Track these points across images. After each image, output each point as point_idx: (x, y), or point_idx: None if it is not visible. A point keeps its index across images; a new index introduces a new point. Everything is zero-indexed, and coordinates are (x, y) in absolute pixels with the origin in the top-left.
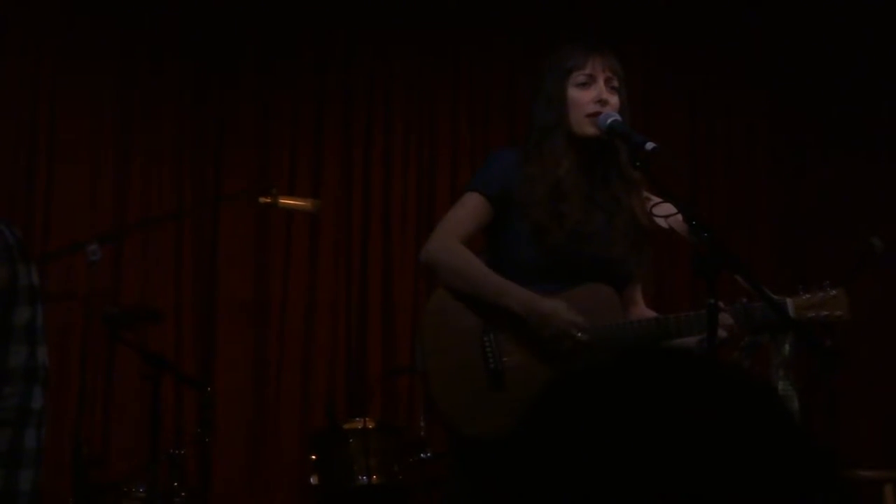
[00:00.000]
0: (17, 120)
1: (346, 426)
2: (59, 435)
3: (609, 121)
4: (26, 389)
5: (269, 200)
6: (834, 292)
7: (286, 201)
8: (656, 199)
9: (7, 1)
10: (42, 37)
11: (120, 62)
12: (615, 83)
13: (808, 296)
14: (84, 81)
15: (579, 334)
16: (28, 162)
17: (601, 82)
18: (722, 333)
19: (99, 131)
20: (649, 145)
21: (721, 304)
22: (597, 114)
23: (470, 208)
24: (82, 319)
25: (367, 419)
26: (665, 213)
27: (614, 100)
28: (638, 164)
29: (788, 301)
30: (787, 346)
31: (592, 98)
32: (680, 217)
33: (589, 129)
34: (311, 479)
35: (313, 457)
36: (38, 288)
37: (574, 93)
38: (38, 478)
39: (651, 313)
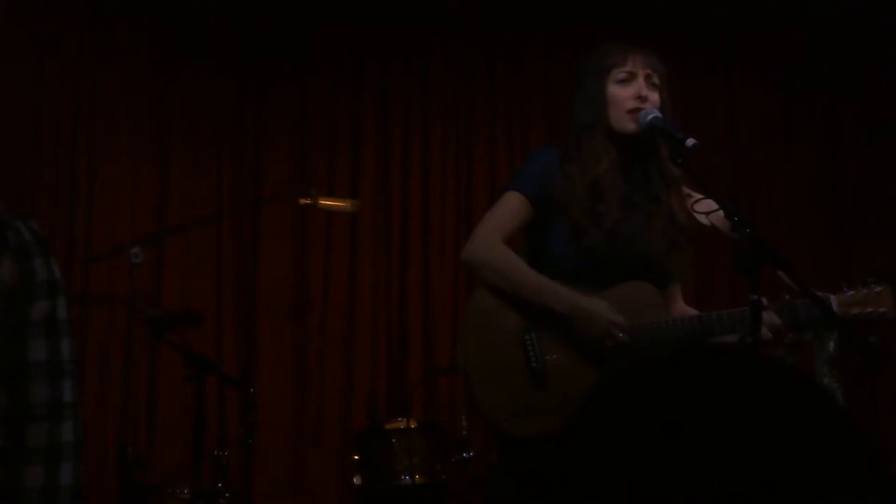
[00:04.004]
0: (58, 124)
1: (389, 426)
2: (104, 436)
3: (649, 117)
4: (55, 383)
5: (308, 201)
6: (879, 289)
7: (326, 202)
8: (697, 196)
9: (49, 6)
10: (83, 41)
11: (159, 65)
12: (655, 80)
13: (852, 293)
14: (124, 85)
15: (621, 334)
16: (69, 165)
17: (641, 79)
18: (767, 334)
19: (139, 134)
20: (690, 142)
21: (764, 301)
22: (637, 110)
23: (510, 208)
24: (125, 322)
25: (409, 419)
26: (706, 209)
27: (654, 96)
28: (679, 160)
29: (832, 298)
30: (831, 344)
31: (632, 94)
32: (721, 214)
33: (629, 126)
34: (354, 479)
35: (356, 457)
36: (59, 281)
37: (614, 90)
38: (78, 471)
39: (692, 311)
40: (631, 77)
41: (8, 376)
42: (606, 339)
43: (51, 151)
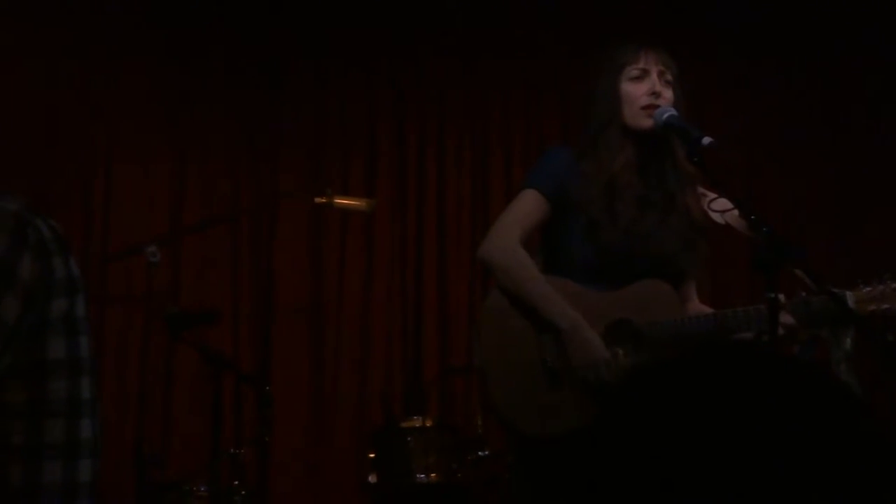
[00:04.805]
0: (74, 123)
1: (405, 424)
2: (121, 434)
3: (665, 115)
4: (73, 381)
5: (324, 200)
6: (895, 285)
7: (341, 201)
8: (712, 195)
9: (63, 5)
10: (98, 40)
11: (176, 64)
12: (668, 77)
13: (868, 289)
14: (141, 84)
15: (605, 373)
16: (86, 165)
17: (654, 76)
18: (779, 331)
19: (156, 134)
20: (706, 140)
21: (782, 298)
22: (651, 106)
23: (527, 206)
24: (142, 320)
25: (425, 417)
26: (721, 208)
27: (668, 93)
28: (695, 159)
29: (849, 294)
30: (847, 341)
31: (646, 91)
32: (736, 212)
33: (644, 122)
34: (370, 478)
35: (371, 455)
36: (77, 279)
37: (628, 87)
38: (97, 468)
39: (707, 309)
40: (644, 74)
41: (27, 374)
42: (590, 371)
43: (67, 151)
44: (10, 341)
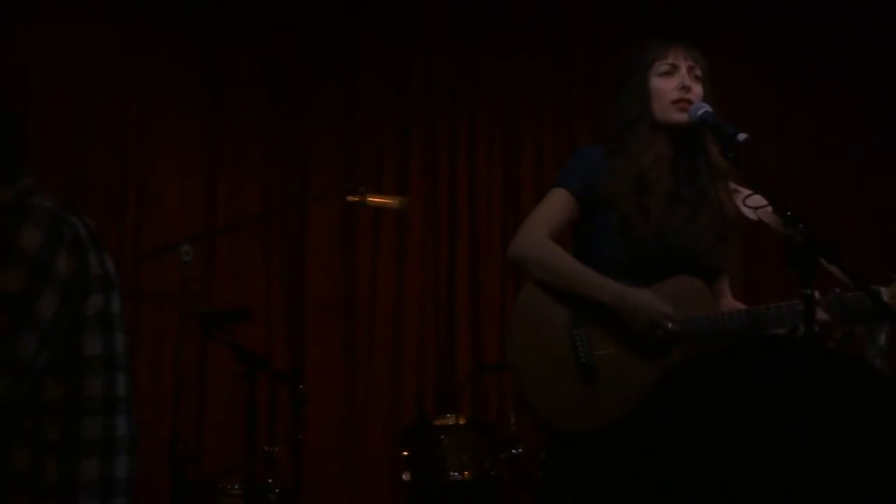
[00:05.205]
0: (108, 123)
1: (438, 422)
2: (155, 432)
3: (700, 112)
4: (109, 378)
5: (356, 199)
6: None
7: (374, 199)
8: (745, 192)
9: (97, 6)
10: (132, 40)
11: (207, 64)
12: (698, 72)
13: None
14: (173, 84)
15: (671, 325)
16: (119, 164)
17: (684, 70)
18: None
19: (188, 133)
20: (741, 136)
21: (817, 295)
22: (681, 100)
23: (557, 204)
24: (176, 319)
25: (458, 415)
26: (755, 204)
27: (698, 88)
28: (730, 155)
29: (883, 290)
30: (882, 337)
31: (675, 86)
32: (769, 209)
33: (675, 116)
34: (403, 476)
35: (405, 453)
36: (112, 276)
37: (657, 82)
38: (133, 464)
39: (740, 305)
40: (674, 69)
41: (63, 370)
42: (656, 330)
43: (101, 151)
44: (48, 337)
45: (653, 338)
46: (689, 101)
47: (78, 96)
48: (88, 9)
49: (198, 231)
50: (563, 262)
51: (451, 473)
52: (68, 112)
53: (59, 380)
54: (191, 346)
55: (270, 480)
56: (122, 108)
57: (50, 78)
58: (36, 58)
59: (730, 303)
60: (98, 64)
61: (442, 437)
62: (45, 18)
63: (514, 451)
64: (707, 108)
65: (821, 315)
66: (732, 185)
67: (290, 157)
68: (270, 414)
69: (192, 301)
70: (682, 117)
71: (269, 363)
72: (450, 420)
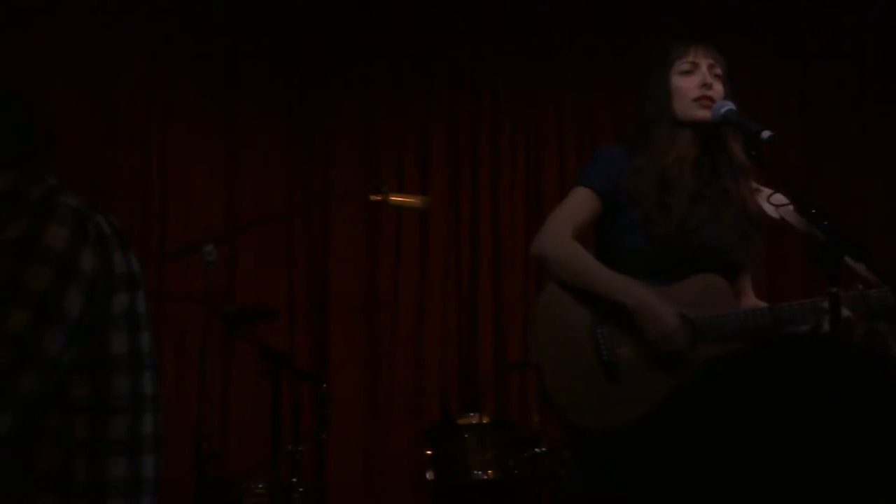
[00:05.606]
0: (133, 124)
1: (461, 421)
2: (181, 431)
3: (723, 110)
4: (135, 376)
5: (379, 198)
6: None
7: (396, 198)
8: (766, 190)
9: (122, 6)
10: (155, 40)
11: (229, 63)
12: (718, 71)
13: None
14: (196, 83)
15: (681, 341)
16: (143, 164)
17: (704, 69)
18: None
19: (211, 134)
20: (766, 134)
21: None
22: (703, 98)
23: (579, 203)
24: (200, 318)
25: (481, 414)
26: (778, 202)
27: (719, 86)
28: (754, 153)
29: None
30: None
31: (697, 84)
32: (792, 207)
33: (699, 113)
34: (427, 475)
35: (428, 452)
36: (137, 275)
37: (678, 81)
38: (159, 463)
39: (761, 303)
40: (694, 67)
41: (90, 368)
42: (668, 344)
43: (126, 151)
44: (74, 334)
45: (660, 348)
46: (711, 99)
47: (100, 97)
48: (110, 9)
49: (220, 230)
50: (584, 263)
51: (475, 472)
52: (90, 112)
53: (86, 378)
54: (214, 346)
55: (294, 480)
56: (145, 109)
57: (72, 78)
58: (58, 58)
59: (752, 301)
60: (120, 64)
61: (466, 435)
62: (67, 18)
63: (537, 449)
64: (731, 105)
65: (844, 312)
66: (754, 184)
67: (313, 156)
68: (294, 413)
69: (216, 300)
70: (704, 114)
71: (294, 363)
72: (473, 419)
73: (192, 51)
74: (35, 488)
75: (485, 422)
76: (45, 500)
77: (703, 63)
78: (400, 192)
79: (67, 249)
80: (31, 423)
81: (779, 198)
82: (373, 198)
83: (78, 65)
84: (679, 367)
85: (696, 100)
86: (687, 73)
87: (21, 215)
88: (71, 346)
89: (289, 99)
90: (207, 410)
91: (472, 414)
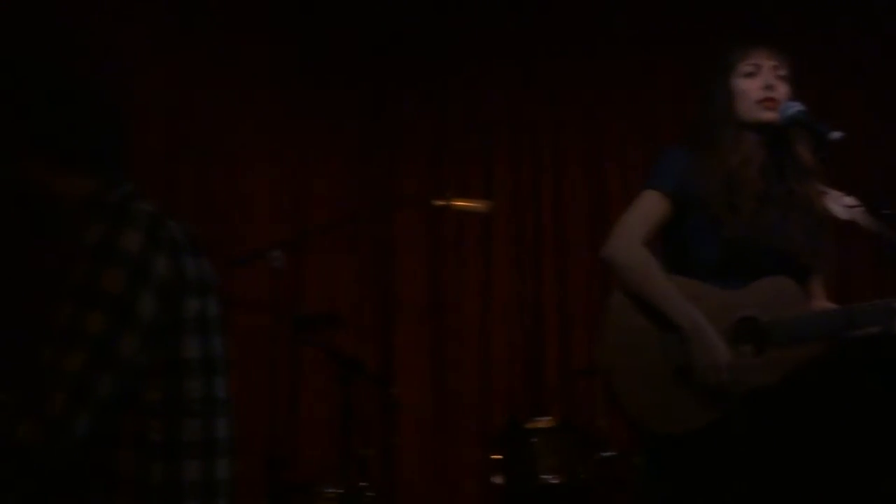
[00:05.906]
0: (202, 131)
1: (529, 425)
2: (252, 436)
3: (791, 111)
4: (207, 380)
5: (443, 203)
6: None
7: (460, 203)
8: (834, 192)
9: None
10: (226, 46)
11: (300, 72)
12: (781, 72)
13: None
14: (265, 92)
15: (724, 377)
16: (212, 171)
17: (767, 70)
18: None
19: (278, 141)
20: (834, 135)
21: None
22: (767, 99)
23: (649, 206)
24: (268, 324)
25: (548, 418)
26: (848, 204)
27: (783, 87)
28: (822, 154)
29: None
30: None
31: (760, 85)
32: (862, 208)
33: (762, 114)
34: (496, 479)
35: (496, 456)
36: (209, 279)
37: (741, 83)
38: (233, 466)
39: (832, 305)
40: (757, 69)
41: (163, 372)
42: (714, 375)
43: (192, 158)
44: (148, 337)
45: (705, 378)
46: (775, 100)
47: (170, 103)
48: (178, 14)
49: (286, 236)
50: (650, 275)
51: (543, 476)
52: (163, 121)
53: (159, 382)
54: (282, 351)
55: (364, 484)
56: (215, 116)
57: (144, 82)
58: (137, 60)
59: (823, 303)
60: (192, 70)
61: (533, 440)
62: (140, 25)
63: (604, 454)
64: (799, 106)
65: None
66: (821, 186)
67: (379, 163)
68: (363, 418)
69: (284, 307)
70: (770, 116)
71: (364, 368)
72: (540, 423)
73: (265, 58)
74: (113, 491)
75: (552, 426)
76: (122, 503)
77: (766, 65)
78: (464, 196)
79: (141, 253)
80: (108, 426)
81: (849, 199)
82: (436, 203)
83: (150, 66)
84: (750, 370)
85: (760, 101)
86: (750, 74)
87: (99, 220)
88: (145, 349)
89: (355, 107)
90: (278, 415)
91: (539, 418)
